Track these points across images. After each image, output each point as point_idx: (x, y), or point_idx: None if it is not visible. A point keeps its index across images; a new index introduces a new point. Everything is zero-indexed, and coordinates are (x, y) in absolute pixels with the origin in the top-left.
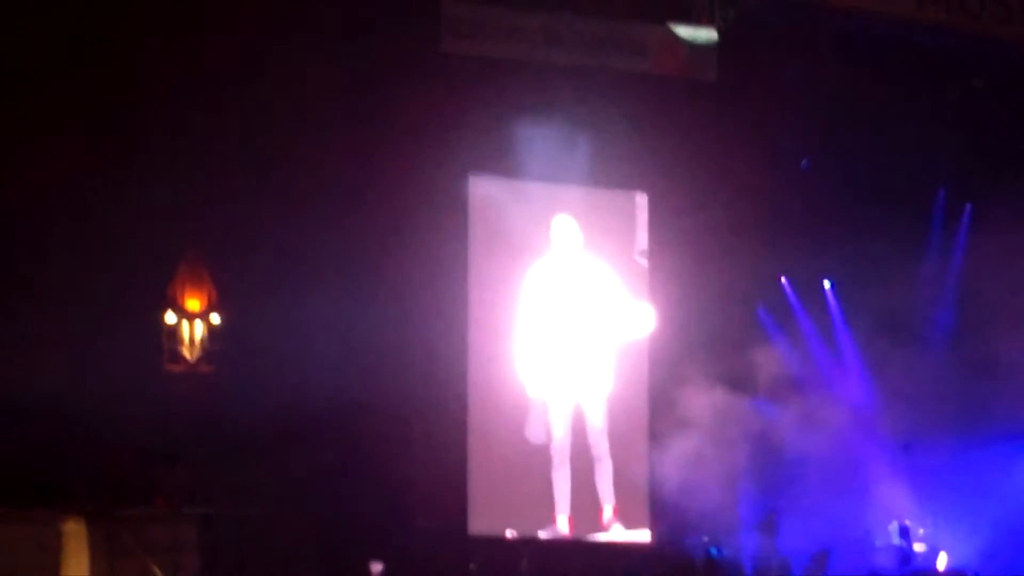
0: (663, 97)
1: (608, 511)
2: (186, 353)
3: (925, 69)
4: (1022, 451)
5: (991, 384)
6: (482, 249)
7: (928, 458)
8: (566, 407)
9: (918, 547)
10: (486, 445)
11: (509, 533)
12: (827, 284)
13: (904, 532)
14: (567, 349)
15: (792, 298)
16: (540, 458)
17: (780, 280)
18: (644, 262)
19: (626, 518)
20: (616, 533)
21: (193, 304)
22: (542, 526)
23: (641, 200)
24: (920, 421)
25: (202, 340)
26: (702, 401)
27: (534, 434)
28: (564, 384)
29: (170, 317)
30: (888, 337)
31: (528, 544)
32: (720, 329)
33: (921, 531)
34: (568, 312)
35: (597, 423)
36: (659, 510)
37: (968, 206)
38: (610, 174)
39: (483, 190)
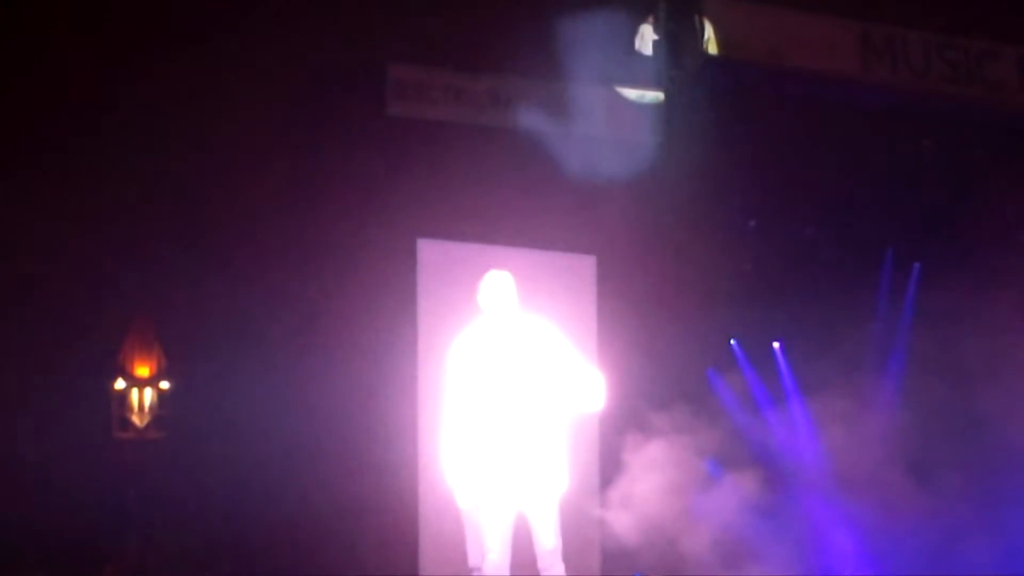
0: (611, 158)
1: None
2: (135, 420)
3: (873, 130)
4: (973, 515)
5: (941, 444)
6: (431, 315)
7: (876, 515)
8: (504, 519)
9: None
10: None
11: None
12: (776, 346)
13: None
14: (504, 439)
15: (742, 361)
16: None
17: (730, 343)
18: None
19: None
20: None
21: (142, 371)
22: None
23: (590, 262)
24: (870, 481)
25: (151, 406)
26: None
27: (472, 556)
28: (502, 488)
29: (119, 384)
30: (838, 398)
31: None
32: (671, 395)
33: None
34: (505, 389)
35: (547, 540)
36: None
37: (916, 266)
38: (559, 237)
39: (432, 254)
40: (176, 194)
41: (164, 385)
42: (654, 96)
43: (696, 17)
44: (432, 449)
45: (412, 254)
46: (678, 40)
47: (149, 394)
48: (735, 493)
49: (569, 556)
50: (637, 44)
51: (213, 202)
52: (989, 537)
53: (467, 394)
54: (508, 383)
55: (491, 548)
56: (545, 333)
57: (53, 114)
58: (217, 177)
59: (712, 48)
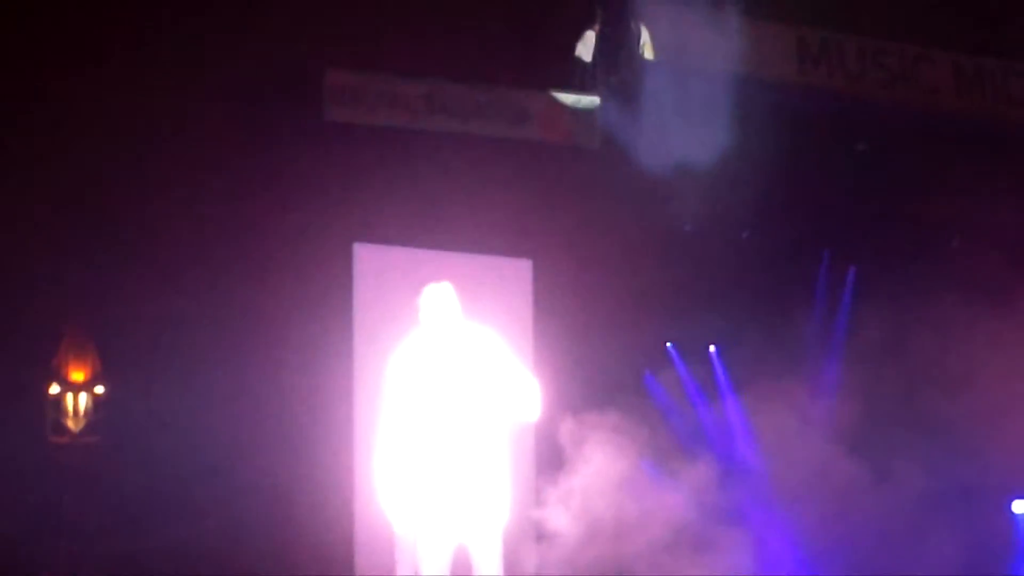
0: (547, 163)
1: None
2: (70, 424)
3: (808, 133)
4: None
5: (879, 446)
6: (367, 319)
7: (812, 519)
8: (444, 550)
9: None
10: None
11: None
12: (712, 349)
13: None
14: (444, 462)
15: (679, 364)
16: None
17: (666, 346)
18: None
19: None
20: None
21: (77, 375)
22: None
23: (526, 267)
24: (806, 484)
25: (86, 410)
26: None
27: None
28: (442, 516)
29: (54, 388)
30: (774, 400)
31: None
32: (606, 398)
33: None
34: (444, 407)
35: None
36: None
37: (852, 269)
38: (496, 241)
39: (369, 259)
40: (110, 197)
41: (99, 389)
42: (590, 101)
43: (632, 22)
44: (368, 467)
45: (348, 258)
46: (614, 45)
47: (84, 398)
48: (674, 495)
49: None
50: (579, 50)
51: (148, 206)
52: (930, 535)
53: (405, 412)
54: (447, 400)
55: None
56: (483, 343)
57: None
58: (152, 181)
59: (648, 53)
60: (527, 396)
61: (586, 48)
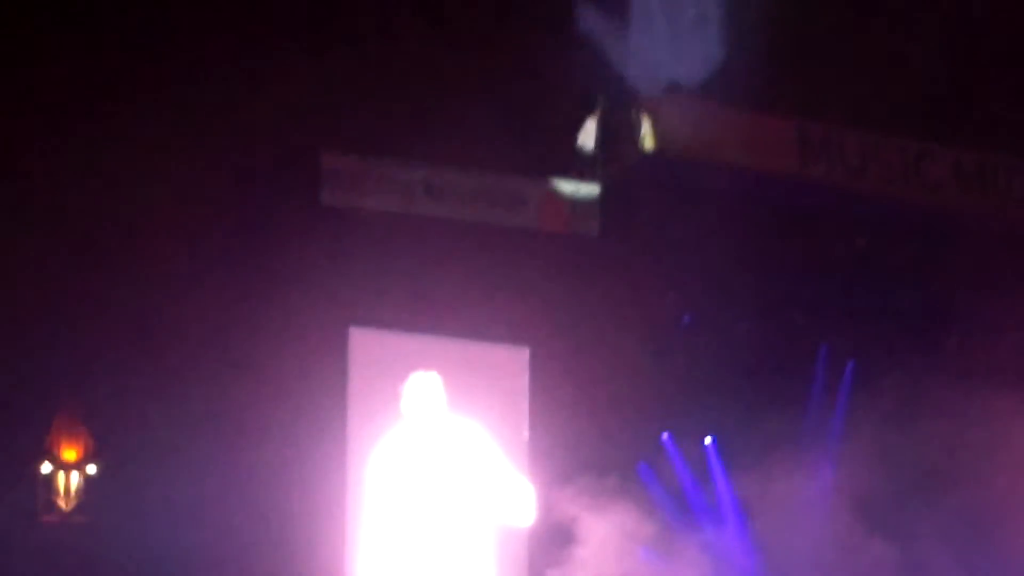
0: (545, 251)
1: None
2: (61, 504)
3: (808, 226)
4: None
5: (872, 542)
6: (362, 406)
7: None
8: None
9: None
10: None
11: None
12: (708, 440)
13: None
14: (432, 564)
15: (674, 455)
16: None
17: (662, 437)
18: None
19: None
20: None
21: (69, 454)
22: None
23: (523, 354)
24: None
25: (77, 490)
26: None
27: None
28: None
29: (45, 467)
30: (770, 492)
31: None
32: (603, 488)
33: None
34: (430, 506)
35: None
36: None
37: (850, 363)
38: (494, 328)
39: (364, 343)
40: (104, 279)
41: (91, 469)
42: (590, 189)
43: (633, 112)
44: (361, 565)
45: (344, 342)
46: (615, 135)
47: (75, 477)
48: None
49: None
50: (580, 138)
51: (142, 288)
52: None
53: (390, 510)
54: (432, 499)
55: None
56: (473, 440)
57: None
58: (147, 263)
59: (649, 143)
60: (520, 500)
61: (587, 137)
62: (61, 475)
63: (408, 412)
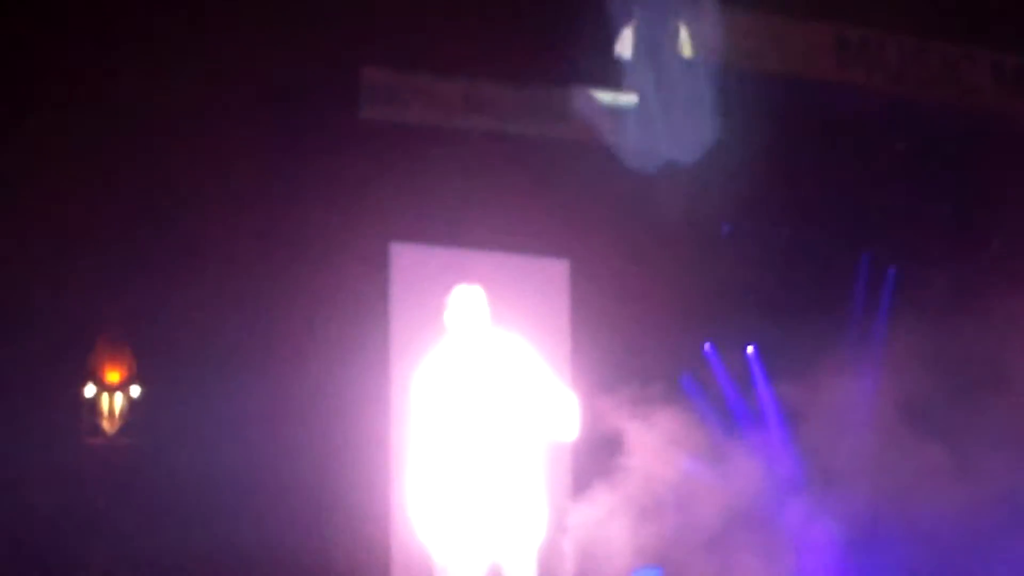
0: (585, 162)
1: None
2: (106, 426)
3: (847, 132)
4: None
5: (919, 446)
6: (403, 322)
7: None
8: (478, 568)
9: None
10: None
11: None
12: (750, 350)
13: None
14: (477, 482)
15: (717, 366)
16: None
17: (704, 347)
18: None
19: None
20: None
21: (112, 376)
22: None
23: (563, 267)
24: (843, 487)
25: (121, 412)
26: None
27: None
28: (477, 540)
29: (89, 390)
30: (814, 401)
31: None
32: (645, 399)
33: None
34: (475, 423)
35: None
36: None
37: (891, 270)
38: (534, 241)
39: (405, 259)
40: (144, 200)
41: (134, 391)
42: (628, 99)
43: (671, 19)
44: (403, 479)
45: (385, 258)
46: (653, 43)
47: (119, 399)
48: (717, 500)
49: None
50: (617, 48)
51: (182, 208)
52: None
53: (435, 427)
54: (478, 416)
55: None
56: (517, 354)
57: (19, 119)
58: (187, 182)
59: (687, 51)
60: (564, 413)
61: (625, 46)
62: (105, 397)
63: (452, 326)
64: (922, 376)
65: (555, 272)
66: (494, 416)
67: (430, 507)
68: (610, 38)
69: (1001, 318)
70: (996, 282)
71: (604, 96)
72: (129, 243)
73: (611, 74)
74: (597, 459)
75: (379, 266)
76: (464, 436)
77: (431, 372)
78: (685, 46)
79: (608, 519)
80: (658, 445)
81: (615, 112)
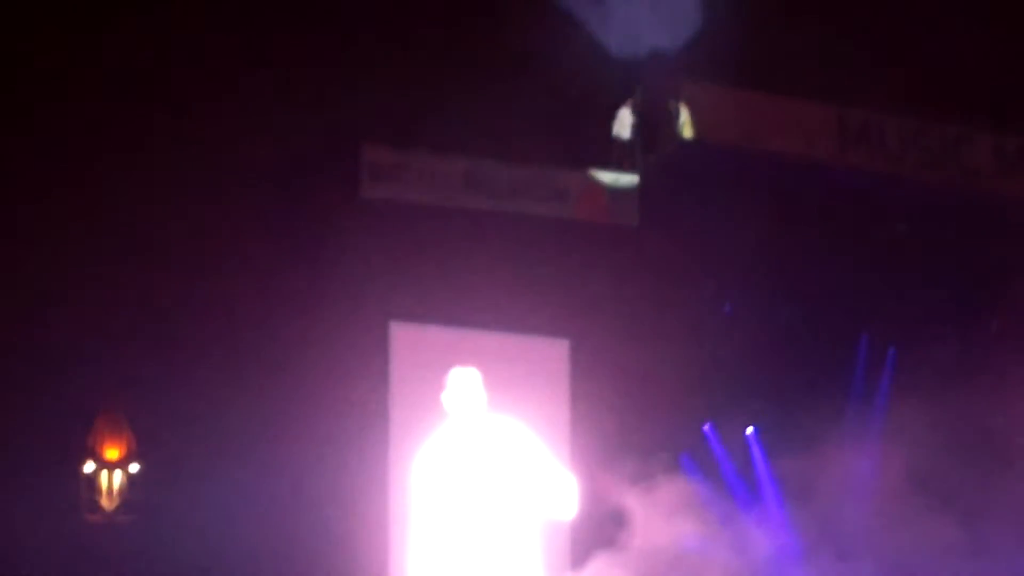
0: (585, 242)
1: None
2: (104, 503)
3: (848, 213)
4: None
5: (915, 524)
6: (403, 400)
7: None
8: None
9: None
10: None
11: None
12: (750, 431)
13: None
14: (477, 562)
15: (716, 446)
16: None
17: (703, 428)
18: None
19: None
20: None
21: (112, 453)
22: None
23: (563, 346)
24: (841, 568)
25: (120, 489)
26: None
27: None
28: None
29: (88, 466)
30: (811, 481)
31: None
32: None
33: None
34: (474, 504)
35: None
36: None
37: (891, 351)
38: (534, 320)
39: (405, 338)
40: (147, 277)
41: (133, 468)
42: (629, 180)
43: (671, 101)
44: (403, 558)
45: (384, 337)
46: (653, 124)
47: (119, 476)
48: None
49: None
50: (615, 128)
51: (185, 285)
52: None
53: (435, 513)
54: (477, 500)
55: None
56: (515, 435)
57: (24, 194)
58: (189, 259)
59: (688, 132)
60: (563, 493)
61: (622, 126)
62: (104, 474)
63: (450, 408)
64: (922, 453)
65: (555, 351)
66: (492, 499)
67: None
68: (611, 119)
69: (1002, 396)
70: (996, 362)
71: (605, 176)
72: (130, 320)
73: (612, 154)
74: (596, 535)
75: (379, 345)
76: (463, 519)
77: (430, 456)
78: (686, 127)
79: None
80: (658, 521)
81: (616, 191)
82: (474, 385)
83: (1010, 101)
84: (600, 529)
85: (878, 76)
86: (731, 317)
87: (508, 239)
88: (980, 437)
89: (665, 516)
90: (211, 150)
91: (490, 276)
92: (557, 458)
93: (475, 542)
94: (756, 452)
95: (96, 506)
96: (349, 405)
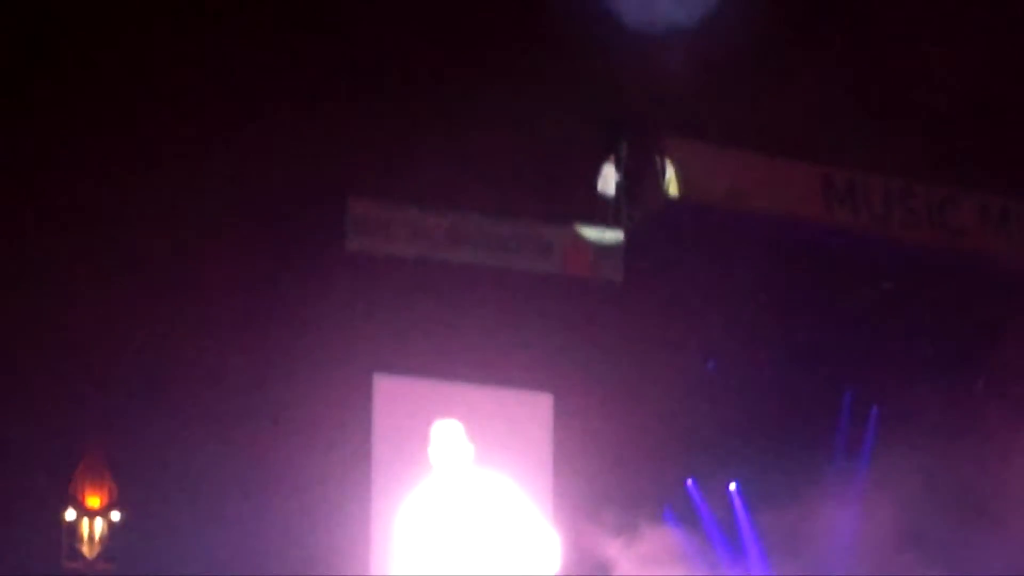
0: (570, 297)
1: None
2: (85, 551)
3: (833, 271)
4: None
5: None
6: (386, 452)
7: None
8: None
9: None
10: None
11: None
12: (733, 487)
13: None
14: None
15: (698, 501)
16: None
17: (686, 483)
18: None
19: None
20: None
21: (93, 501)
22: None
23: (546, 401)
24: None
25: (101, 537)
26: None
27: None
28: None
29: (70, 514)
30: (794, 538)
31: None
32: (627, 534)
33: None
34: (456, 559)
35: None
36: None
37: (874, 409)
38: (518, 374)
39: (389, 390)
40: (128, 326)
41: (115, 516)
42: (614, 236)
43: (657, 158)
44: None
45: (368, 389)
46: (639, 181)
47: (100, 524)
48: None
49: None
50: (599, 185)
51: (168, 335)
52: None
53: (419, 564)
54: (461, 551)
55: None
56: (499, 489)
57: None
58: (173, 309)
59: (673, 189)
60: (546, 548)
61: (606, 183)
62: (85, 522)
63: (434, 461)
64: (905, 510)
65: (539, 405)
66: (476, 553)
67: None
68: (594, 175)
69: (986, 452)
70: (981, 420)
71: (590, 232)
72: (111, 369)
73: (597, 211)
74: None
75: (363, 397)
76: (446, 573)
77: (413, 509)
78: (671, 185)
79: None
80: (640, 572)
81: (601, 247)
82: (459, 437)
83: (994, 162)
84: None
85: (864, 136)
86: (715, 373)
87: (493, 293)
88: (964, 493)
89: (648, 569)
90: (195, 201)
91: (475, 330)
92: (540, 512)
93: None
94: (739, 507)
95: (77, 554)
96: (333, 456)
